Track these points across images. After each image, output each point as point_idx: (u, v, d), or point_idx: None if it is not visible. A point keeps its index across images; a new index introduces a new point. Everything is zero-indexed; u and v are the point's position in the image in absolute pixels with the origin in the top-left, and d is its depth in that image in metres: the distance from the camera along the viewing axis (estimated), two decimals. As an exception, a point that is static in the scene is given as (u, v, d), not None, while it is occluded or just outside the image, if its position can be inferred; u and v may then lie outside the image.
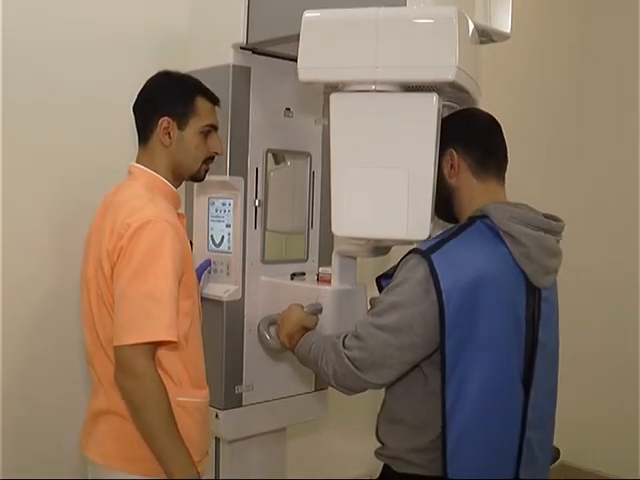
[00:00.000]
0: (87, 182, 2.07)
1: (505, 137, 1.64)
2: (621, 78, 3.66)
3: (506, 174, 1.65)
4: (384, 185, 1.53)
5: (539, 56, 3.62)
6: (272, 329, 1.87)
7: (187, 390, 1.61)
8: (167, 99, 1.66)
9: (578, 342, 3.79)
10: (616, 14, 3.70)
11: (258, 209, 1.95)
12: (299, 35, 1.55)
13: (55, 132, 2.04)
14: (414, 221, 1.51)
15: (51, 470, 2.05)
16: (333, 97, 1.56)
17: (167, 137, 1.65)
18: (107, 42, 2.12)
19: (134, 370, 1.46)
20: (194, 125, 1.67)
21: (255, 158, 1.95)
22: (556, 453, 2.60)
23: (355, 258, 1.84)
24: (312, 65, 1.53)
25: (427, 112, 1.50)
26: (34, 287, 2.03)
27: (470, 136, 1.58)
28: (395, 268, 1.55)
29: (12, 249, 1.97)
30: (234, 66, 1.89)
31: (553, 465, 2.64)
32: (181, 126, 1.65)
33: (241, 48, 1.90)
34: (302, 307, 1.77)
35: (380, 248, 1.78)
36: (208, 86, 1.75)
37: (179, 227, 1.59)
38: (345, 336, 1.51)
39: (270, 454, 2.08)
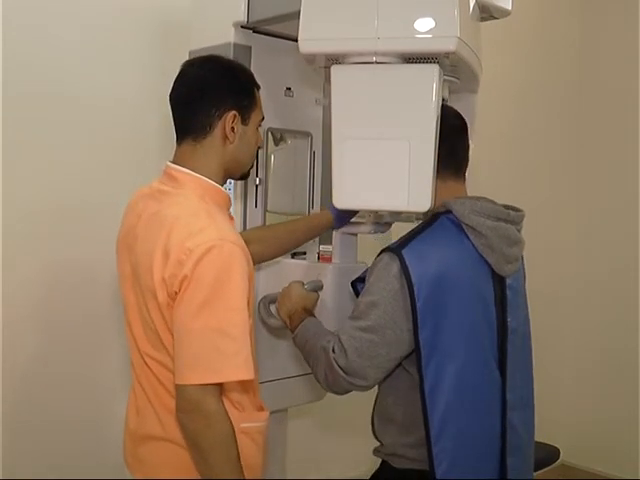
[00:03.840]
0: (87, 178, 2.09)
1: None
2: (622, 60, 3.66)
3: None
4: (385, 157, 1.52)
5: (539, 39, 3.63)
6: (272, 307, 1.86)
7: (250, 414, 1.52)
8: (233, 90, 1.50)
9: (578, 342, 3.80)
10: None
11: (259, 187, 1.95)
12: (299, 12, 1.55)
13: (54, 124, 2.05)
14: (415, 192, 1.51)
15: (51, 470, 2.05)
16: (334, 69, 1.56)
17: (232, 132, 1.49)
18: (107, 22, 2.13)
19: (203, 411, 1.34)
20: (255, 119, 1.54)
21: (256, 137, 1.95)
22: (556, 453, 2.60)
23: (356, 235, 1.84)
24: (313, 37, 1.53)
25: (428, 83, 1.50)
26: (34, 286, 2.04)
27: None
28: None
29: (11, 249, 1.97)
30: (235, 45, 1.89)
31: (553, 465, 2.66)
32: (244, 120, 1.51)
33: (242, 27, 1.90)
34: (302, 284, 1.77)
35: (381, 224, 1.78)
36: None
37: (243, 245, 1.43)
38: (335, 341, 1.53)
39: (270, 435, 2.07)
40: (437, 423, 1.47)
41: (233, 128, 1.49)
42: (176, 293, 1.36)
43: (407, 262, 1.46)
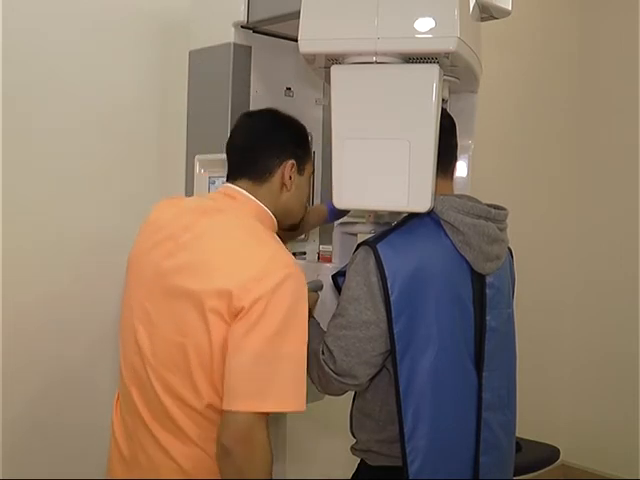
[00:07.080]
0: (86, 177, 2.09)
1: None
2: (622, 60, 3.66)
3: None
4: (385, 156, 1.52)
5: (539, 39, 3.63)
6: (273, 307, 1.86)
7: None
8: (293, 141, 1.59)
9: (578, 343, 3.81)
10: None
11: (259, 188, 1.95)
12: (299, 12, 1.55)
13: (53, 124, 2.04)
14: (415, 192, 1.51)
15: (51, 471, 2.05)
16: (334, 69, 1.56)
17: (290, 180, 1.56)
18: (107, 22, 2.12)
19: (254, 441, 1.32)
20: (309, 170, 1.63)
21: (256, 137, 1.94)
22: (556, 453, 2.60)
23: (356, 235, 1.84)
24: (313, 37, 1.53)
25: (428, 83, 1.50)
26: (36, 284, 2.03)
27: None
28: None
29: (12, 250, 1.97)
30: (235, 45, 1.89)
31: (553, 465, 2.66)
32: (300, 170, 1.59)
33: (242, 27, 1.90)
34: (302, 284, 1.77)
35: (381, 224, 1.78)
36: (209, 65, 1.73)
37: None
38: (323, 344, 1.54)
39: (270, 435, 2.07)
40: (410, 420, 1.47)
41: (291, 177, 1.56)
42: (242, 309, 1.33)
43: (381, 256, 1.48)
